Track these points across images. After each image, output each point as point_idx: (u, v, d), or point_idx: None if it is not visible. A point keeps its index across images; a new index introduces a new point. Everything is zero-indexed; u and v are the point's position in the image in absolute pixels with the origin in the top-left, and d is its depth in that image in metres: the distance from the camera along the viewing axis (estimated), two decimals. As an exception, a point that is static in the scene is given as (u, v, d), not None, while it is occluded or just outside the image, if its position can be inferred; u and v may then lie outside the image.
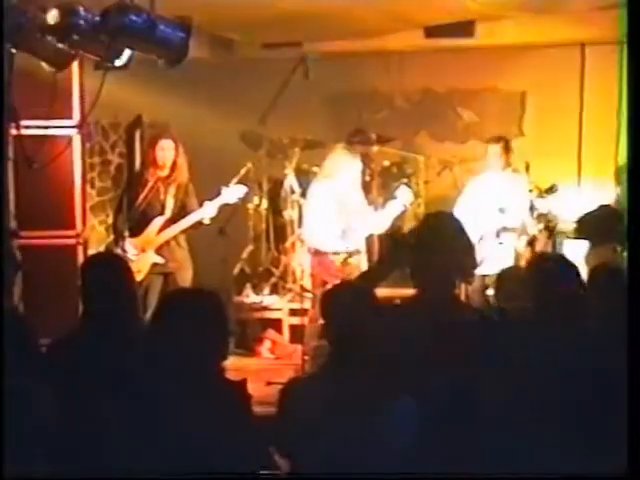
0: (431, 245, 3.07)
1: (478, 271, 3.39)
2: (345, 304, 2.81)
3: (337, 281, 5.51)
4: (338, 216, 5.89)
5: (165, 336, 2.59)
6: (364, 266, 6.12)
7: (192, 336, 2.55)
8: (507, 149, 6.26)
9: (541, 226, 6.13)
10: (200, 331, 2.57)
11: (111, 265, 3.50)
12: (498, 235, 6.11)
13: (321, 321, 2.89)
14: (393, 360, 2.73)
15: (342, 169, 5.87)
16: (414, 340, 2.86)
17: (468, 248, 3.12)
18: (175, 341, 2.56)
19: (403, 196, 5.98)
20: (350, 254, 5.90)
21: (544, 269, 3.07)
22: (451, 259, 3.01)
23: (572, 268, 3.01)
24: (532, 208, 6.03)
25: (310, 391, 2.75)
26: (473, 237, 3.22)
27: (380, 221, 5.98)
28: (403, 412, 2.65)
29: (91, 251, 5.85)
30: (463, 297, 6.11)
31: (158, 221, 5.84)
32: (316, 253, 5.94)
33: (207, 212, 5.83)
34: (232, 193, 5.89)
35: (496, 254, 6.00)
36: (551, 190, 6.02)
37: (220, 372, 2.62)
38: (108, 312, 3.20)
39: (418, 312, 3.01)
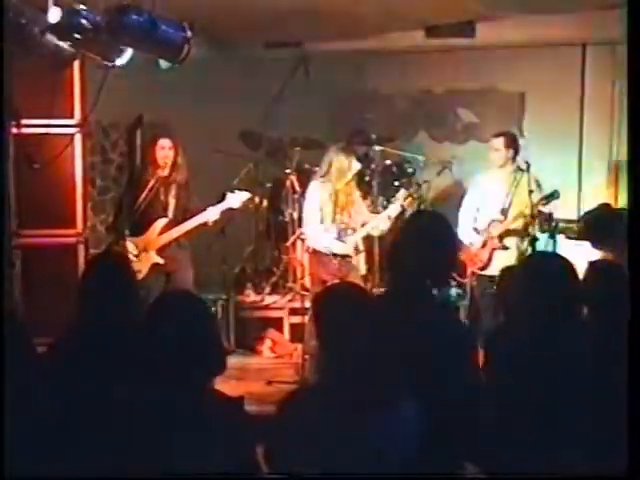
0: (403, 244, 3.06)
1: (451, 276, 3.28)
2: (334, 306, 2.80)
3: (336, 280, 5.54)
4: (335, 215, 5.91)
5: (154, 340, 2.59)
6: (362, 266, 6.14)
7: (179, 345, 2.55)
8: (509, 144, 6.25)
9: (540, 229, 6.12)
10: (187, 341, 2.56)
11: (113, 264, 3.50)
12: (501, 239, 6.10)
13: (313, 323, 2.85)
14: (389, 362, 2.72)
15: (339, 168, 5.89)
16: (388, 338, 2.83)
17: (442, 250, 3.06)
18: (162, 346, 2.56)
19: (402, 198, 6.02)
20: (348, 254, 5.92)
21: (536, 267, 3.06)
22: (420, 260, 2.96)
23: (566, 265, 3.00)
24: (533, 209, 6.02)
25: (306, 395, 2.74)
26: (454, 240, 3.14)
27: (378, 222, 6.01)
28: (403, 414, 2.64)
29: (92, 250, 5.85)
30: (468, 299, 6.17)
31: (160, 222, 5.85)
32: (314, 252, 5.95)
33: (211, 216, 5.84)
34: (236, 198, 5.90)
35: (501, 257, 6.00)
36: (553, 196, 6.01)
37: (210, 389, 2.59)
38: (109, 312, 3.20)
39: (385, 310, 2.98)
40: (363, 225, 5.98)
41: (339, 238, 5.90)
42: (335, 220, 5.91)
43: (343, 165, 5.90)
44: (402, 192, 6.13)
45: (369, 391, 2.60)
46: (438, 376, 2.74)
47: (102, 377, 2.88)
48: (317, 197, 5.92)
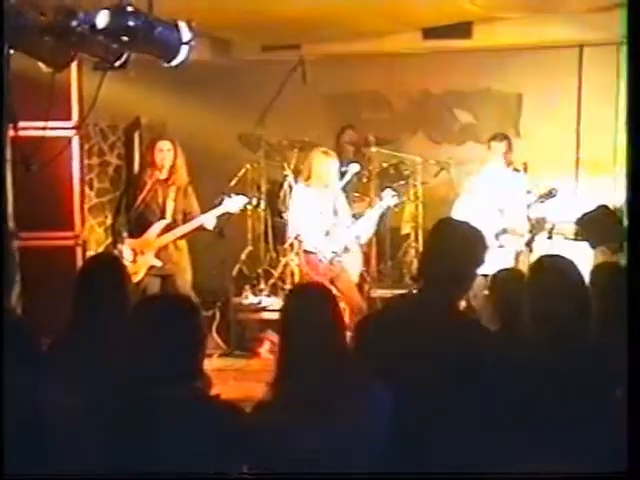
0: (438, 249, 3.06)
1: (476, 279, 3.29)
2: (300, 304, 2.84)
3: (325, 280, 5.59)
4: (321, 217, 5.97)
5: (137, 341, 2.61)
6: (352, 266, 6.18)
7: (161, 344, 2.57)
8: (509, 147, 6.26)
9: (539, 227, 6.13)
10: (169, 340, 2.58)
11: (107, 266, 3.49)
12: (497, 237, 6.12)
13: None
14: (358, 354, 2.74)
15: (318, 172, 5.95)
16: (397, 338, 2.85)
17: (474, 259, 3.07)
18: (145, 348, 2.58)
19: (387, 199, 6.09)
20: (336, 254, 5.97)
21: (547, 270, 3.06)
22: (456, 266, 2.98)
23: (574, 269, 3.01)
24: (530, 209, 6.04)
25: (277, 392, 2.75)
26: (484, 249, 3.15)
27: (364, 222, 6.09)
28: (373, 402, 2.66)
29: (90, 252, 5.85)
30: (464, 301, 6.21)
31: (159, 225, 5.84)
32: (305, 253, 6.01)
33: (208, 220, 5.84)
34: (234, 203, 5.90)
35: (496, 256, 6.02)
36: (549, 194, 6.02)
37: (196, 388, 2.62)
38: (100, 313, 3.20)
39: (412, 311, 3.00)
40: (349, 226, 6.07)
41: (326, 238, 5.98)
42: (321, 222, 5.98)
43: (323, 169, 5.98)
44: (387, 191, 6.20)
45: (330, 390, 2.61)
46: (460, 377, 2.76)
47: (97, 378, 2.88)
48: (302, 200, 6.00)
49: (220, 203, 5.90)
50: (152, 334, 2.59)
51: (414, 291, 3.11)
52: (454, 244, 2.99)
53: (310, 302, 2.81)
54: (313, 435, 2.58)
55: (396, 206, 6.48)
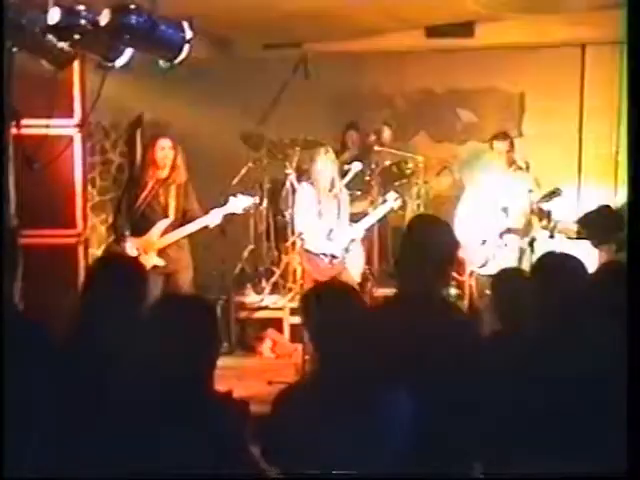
0: (411, 245, 3.10)
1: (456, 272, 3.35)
2: (323, 304, 2.83)
3: (326, 279, 5.59)
4: (323, 216, 5.99)
5: (152, 339, 2.61)
6: (355, 265, 6.19)
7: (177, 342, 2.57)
8: (511, 146, 6.26)
9: (541, 226, 6.12)
10: (185, 337, 2.58)
11: (126, 266, 3.47)
12: (501, 236, 6.11)
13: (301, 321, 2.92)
14: (378, 358, 2.75)
15: (321, 171, 5.96)
16: (395, 338, 2.86)
17: (444, 253, 3.11)
18: (160, 345, 2.57)
19: (391, 202, 6.11)
20: (336, 255, 5.99)
21: (551, 267, 3.07)
22: (429, 260, 3.01)
23: (579, 266, 3.02)
24: (533, 208, 6.03)
25: (299, 393, 2.75)
26: (457, 243, 3.20)
27: (365, 223, 6.11)
28: (393, 405, 2.66)
29: (92, 251, 5.85)
30: (467, 299, 6.23)
31: (162, 224, 5.83)
32: (306, 252, 6.02)
33: (213, 220, 5.83)
34: (239, 203, 5.90)
35: (500, 255, 6.02)
36: (554, 193, 6.02)
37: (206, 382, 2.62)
38: (115, 311, 3.19)
39: (397, 310, 3.02)
40: (351, 225, 6.08)
41: (328, 238, 5.98)
42: (323, 221, 5.99)
43: (324, 168, 5.98)
44: (391, 194, 6.22)
45: (355, 389, 2.62)
46: (449, 375, 2.77)
47: (105, 377, 2.88)
48: (304, 199, 6.00)
49: (225, 203, 5.90)
50: (169, 334, 2.58)
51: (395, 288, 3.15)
52: (423, 240, 3.04)
53: (335, 302, 2.81)
54: (331, 435, 2.59)
55: (400, 208, 6.50)
